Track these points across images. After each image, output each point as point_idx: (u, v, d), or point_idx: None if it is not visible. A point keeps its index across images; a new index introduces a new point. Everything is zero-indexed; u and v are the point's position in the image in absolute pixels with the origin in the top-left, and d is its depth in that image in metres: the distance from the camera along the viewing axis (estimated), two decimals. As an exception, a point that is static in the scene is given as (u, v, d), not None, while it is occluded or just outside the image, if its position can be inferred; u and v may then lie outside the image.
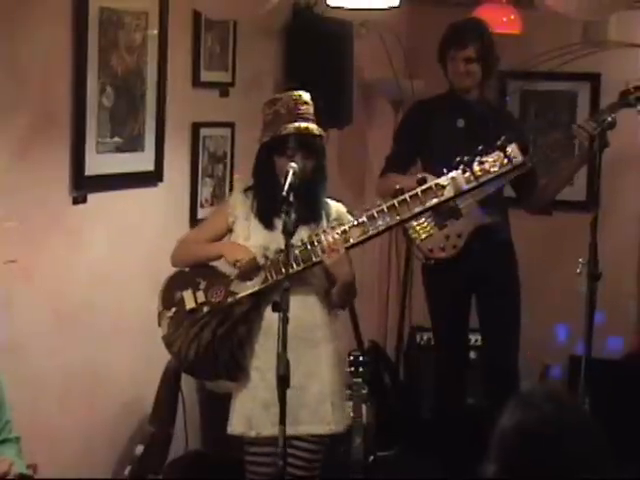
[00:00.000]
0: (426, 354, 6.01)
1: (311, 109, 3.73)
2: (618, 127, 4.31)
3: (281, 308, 3.26)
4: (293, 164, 3.59)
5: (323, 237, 3.62)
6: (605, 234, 4.35)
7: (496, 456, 1.98)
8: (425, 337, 6.07)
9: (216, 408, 4.80)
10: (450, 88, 4.89)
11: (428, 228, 4.73)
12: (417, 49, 6.28)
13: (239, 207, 3.80)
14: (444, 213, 4.66)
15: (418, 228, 4.73)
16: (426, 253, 4.81)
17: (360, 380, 4.01)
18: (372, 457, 4.57)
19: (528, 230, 5.18)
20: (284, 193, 3.43)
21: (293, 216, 3.54)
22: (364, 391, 4.05)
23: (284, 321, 3.24)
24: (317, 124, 3.73)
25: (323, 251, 3.61)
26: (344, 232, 3.61)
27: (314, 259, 3.63)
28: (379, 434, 4.91)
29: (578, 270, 4.02)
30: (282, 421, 3.24)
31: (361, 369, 4.01)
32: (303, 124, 3.66)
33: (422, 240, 4.76)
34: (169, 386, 4.47)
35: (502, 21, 5.62)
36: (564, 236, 5.06)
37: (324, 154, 3.78)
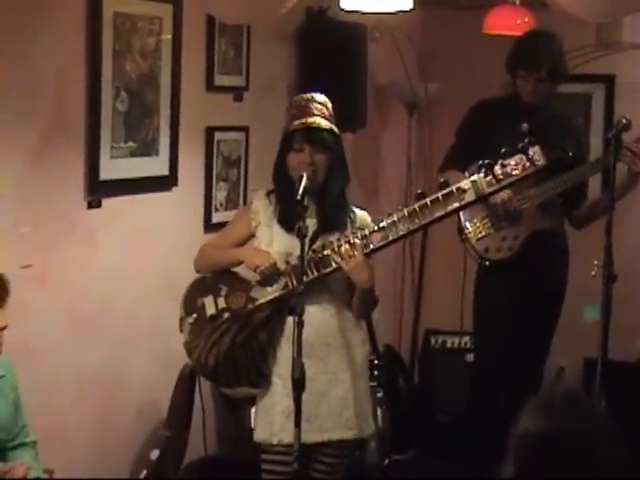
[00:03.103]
0: (440, 357, 6.02)
1: (325, 109, 3.69)
2: (633, 128, 4.29)
3: (296, 312, 3.26)
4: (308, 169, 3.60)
5: (343, 243, 3.59)
6: (621, 236, 4.33)
7: (516, 459, 1.98)
8: (440, 340, 6.07)
9: (232, 412, 4.81)
10: (515, 91, 4.85)
11: (485, 228, 4.73)
12: (431, 52, 6.28)
13: (262, 212, 3.77)
14: (503, 215, 4.66)
15: (474, 228, 4.73)
16: (481, 253, 4.79)
17: (375, 384, 4.01)
18: (387, 460, 4.57)
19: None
20: (298, 197, 3.44)
21: (310, 221, 3.56)
22: (379, 395, 4.05)
23: (299, 325, 3.25)
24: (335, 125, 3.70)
25: (342, 257, 3.58)
26: (364, 237, 3.57)
27: (333, 265, 3.60)
28: (394, 437, 4.91)
29: (593, 272, 4.01)
30: (297, 424, 3.25)
31: (376, 373, 4.01)
32: (310, 119, 3.64)
33: (477, 240, 4.76)
34: (184, 390, 4.48)
35: (515, 23, 5.60)
36: (580, 238, 5.04)
37: (340, 151, 3.71)
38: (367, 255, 3.59)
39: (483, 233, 4.74)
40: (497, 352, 4.91)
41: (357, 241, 3.57)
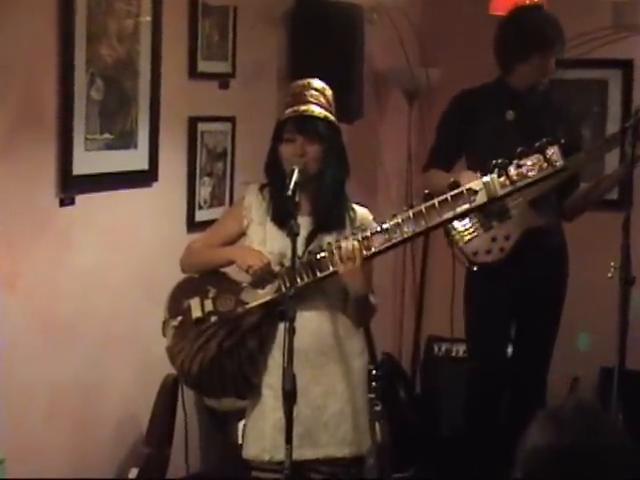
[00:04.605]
0: (444, 366, 6.02)
1: (321, 96, 3.68)
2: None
3: (287, 317, 3.25)
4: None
5: (342, 244, 3.57)
6: (639, 235, 4.34)
7: (523, 474, 1.99)
8: (443, 348, 6.07)
9: (218, 427, 4.81)
10: (499, 77, 4.84)
11: (472, 230, 4.71)
12: (432, 35, 6.28)
13: (255, 208, 3.77)
14: (490, 214, 4.64)
15: (461, 229, 4.71)
16: (470, 257, 4.76)
17: (373, 396, 4.00)
18: (387, 479, 4.56)
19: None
20: (289, 193, 3.43)
21: (306, 219, 3.59)
22: (378, 407, 4.04)
23: (289, 332, 3.24)
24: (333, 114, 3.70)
25: (340, 259, 3.55)
26: (365, 239, 3.56)
27: (330, 268, 3.58)
28: (394, 454, 4.89)
29: (610, 274, 4.01)
30: (288, 440, 3.24)
31: (374, 384, 4.00)
32: (303, 107, 3.63)
33: (465, 243, 4.73)
34: (166, 403, 4.47)
35: (524, 4, 5.60)
36: (594, 237, 5.05)
37: (337, 142, 3.71)
38: (368, 259, 3.58)
39: (471, 235, 4.71)
40: (493, 362, 4.91)
41: (355, 243, 3.55)
